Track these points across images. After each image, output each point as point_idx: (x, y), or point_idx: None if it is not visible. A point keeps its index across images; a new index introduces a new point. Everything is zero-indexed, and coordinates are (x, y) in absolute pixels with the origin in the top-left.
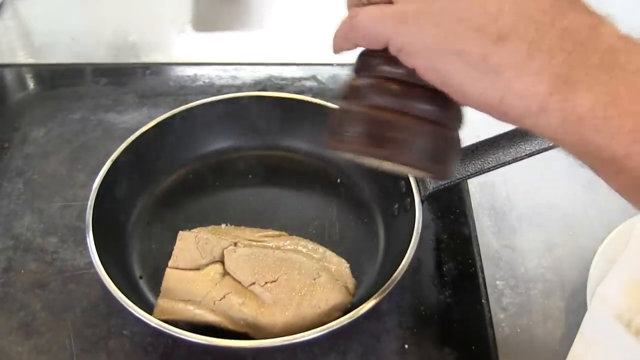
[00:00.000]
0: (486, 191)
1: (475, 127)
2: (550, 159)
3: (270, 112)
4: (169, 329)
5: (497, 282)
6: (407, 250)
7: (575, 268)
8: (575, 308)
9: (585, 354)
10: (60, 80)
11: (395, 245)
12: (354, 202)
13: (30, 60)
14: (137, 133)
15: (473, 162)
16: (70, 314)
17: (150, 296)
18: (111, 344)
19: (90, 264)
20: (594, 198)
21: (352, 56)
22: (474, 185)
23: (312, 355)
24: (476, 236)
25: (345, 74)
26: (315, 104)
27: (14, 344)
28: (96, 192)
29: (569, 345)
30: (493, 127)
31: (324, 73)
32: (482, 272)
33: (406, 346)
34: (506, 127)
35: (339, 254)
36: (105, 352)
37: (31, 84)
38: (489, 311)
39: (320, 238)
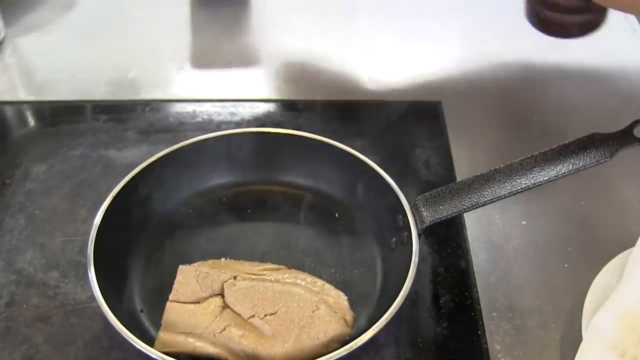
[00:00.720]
0: (482, 225)
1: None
2: (546, 195)
3: (268, 147)
4: None
5: (494, 313)
6: (404, 282)
7: (571, 300)
8: (571, 340)
9: None
10: (60, 117)
11: (392, 278)
12: (352, 236)
13: (31, 98)
14: (137, 169)
15: (469, 196)
16: (72, 347)
17: (151, 329)
18: None
19: (92, 298)
20: (590, 233)
21: (350, 96)
22: (471, 219)
23: None
24: (472, 269)
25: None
26: (313, 139)
27: None
28: (97, 227)
29: None
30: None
31: (321, 110)
32: (479, 304)
33: None
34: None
35: (337, 287)
36: None
37: (32, 121)
38: (485, 342)
39: (318, 271)
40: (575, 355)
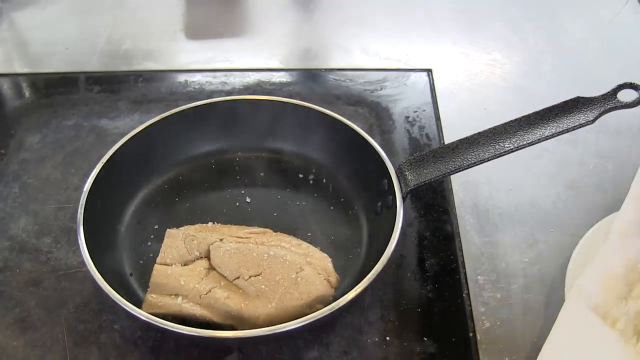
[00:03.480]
0: (469, 190)
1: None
2: (533, 159)
3: (257, 115)
4: (157, 322)
5: (479, 277)
6: (388, 246)
7: (555, 264)
8: (555, 302)
9: (562, 345)
10: (54, 89)
11: (378, 242)
12: (338, 200)
13: (26, 70)
14: (127, 136)
15: (453, 159)
16: (63, 310)
17: (140, 292)
18: (102, 338)
19: (83, 263)
20: (576, 197)
21: (339, 64)
22: (458, 185)
23: (295, 347)
24: (458, 233)
25: (332, 78)
26: (302, 106)
27: (10, 338)
28: (87, 193)
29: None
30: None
31: (310, 78)
32: (464, 268)
33: (388, 338)
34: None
35: (323, 250)
36: (97, 346)
37: (27, 93)
38: (470, 305)
39: (304, 235)
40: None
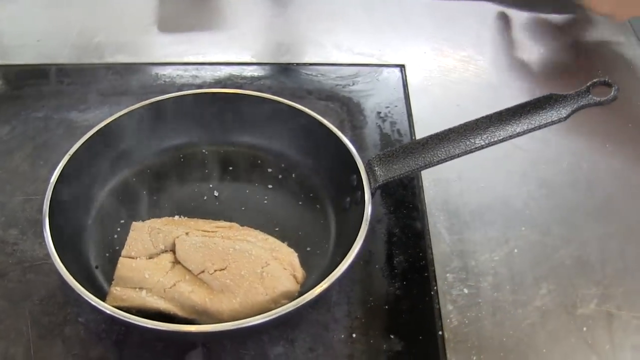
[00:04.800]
0: (440, 187)
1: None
2: (505, 157)
3: (225, 108)
4: (121, 315)
5: (448, 274)
6: (355, 242)
7: (525, 262)
8: (524, 301)
9: None
10: (25, 81)
11: (346, 238)
12: (307, 196)
13: None
14: (95, 129)
15: (423, 155)
16: (28, 302)
17: (105, 286)
18: (67, 331)
19: (49, 255)
20: (548, 195)
21: (312, 58)
22: (429, 182)
23: (261, 343)
24: (428, 230)
25: (304, 73)
26: (272, 100)
27: None
28: (53, 185)
29: (516, 337)
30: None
31: (282, 72)
32: (433, 265)
33: (354, 335)
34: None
35: (290, 246)
36: (61, 339)
37: None
38: (438, 302)
39: (271, 230)
40: (527, 317)
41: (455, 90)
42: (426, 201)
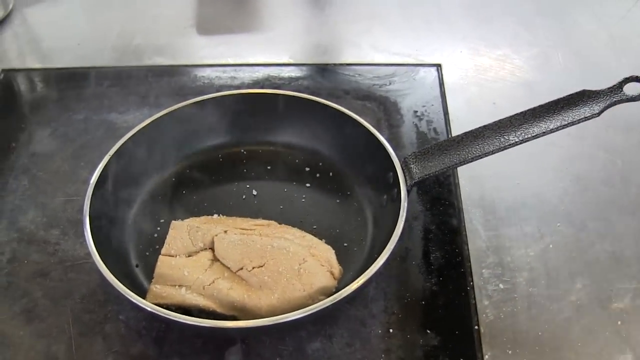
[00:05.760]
0: (476, 184)
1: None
2: (540, 154)
3: (264, 108)
4: (161, 312)
5: (483, 270)
6: (391, 238)
7: (561, 258)
8: (560, 296)
9: None
10: (65, 84)
11: (382, 234)
12: (344, 194)
13: (38, 65)
14: (135, 129)
15: (458, 152)
16: (69, 300)
17: (145, 283)
18: (107, 328)
19: (89, 254)
20: (583, 191)
21: (349, 59)
22: (464, 179)
23: (299, 339)
24: (464, 226)
25: (341, 73)
26: (309, 100)
27: (16, 328)
28: (93, 186)
29: (552, 331)
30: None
31: (320, 73)
32: (469, 261)
33: (391, 330)
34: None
35: (328, 243)
36: (102, 336)
37: (38, 87)
38: (474, 298)
39: (309, 228)
40: (563, 311)
41: (491, 88)
42: (462, 198)
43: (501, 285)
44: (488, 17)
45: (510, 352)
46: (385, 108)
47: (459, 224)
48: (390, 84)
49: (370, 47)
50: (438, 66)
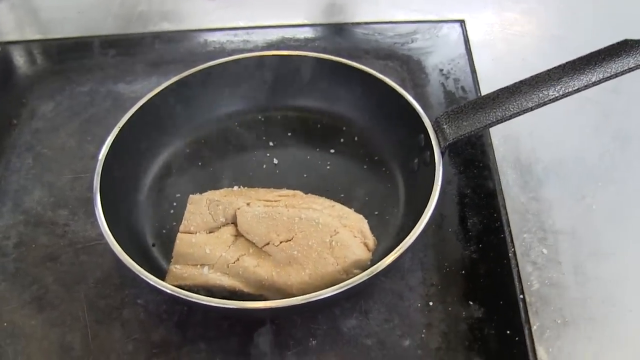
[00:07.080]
0: (510, 144)
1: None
2: (577, 111)
3: (282, 71)
4: (183, 294)
5: (525, 235)
6: (427, 204)
7: (604, 218)
8: (606, 258)
9: None
10: (68, 54)
11: (416, 200)
12: (371, 159)
13: (38, 36)
14: (144, 100)
15: (494, 110)
16: (82, 285)
17: (164, 264)
18: (125, 314)
19: (102, 235)
20: (623, 148)
21: (367, 17)
22: (498, 139)
23: (332, 316)
24: (501, 189)
25: (360, 32)
26: (330, 60)
27: (28, 317)
28: (103, 161)
29: (601, 297)
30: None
31: (337, 33)
32: (508, 226)
33: (431, 303)
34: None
35: (358, 211)
36: (120, 322)
37: (39, 60)
38: (517, 265)
39: (336, 197)
40: (611, 274)
41: (518, 43)
42: (497, 159)
43: (544, 250)
44: None
45: (559, 321)
46: (408, 67)
47: (495, 187)
48: (412, 42)
49: (389, 4)
50: (462, 22)
